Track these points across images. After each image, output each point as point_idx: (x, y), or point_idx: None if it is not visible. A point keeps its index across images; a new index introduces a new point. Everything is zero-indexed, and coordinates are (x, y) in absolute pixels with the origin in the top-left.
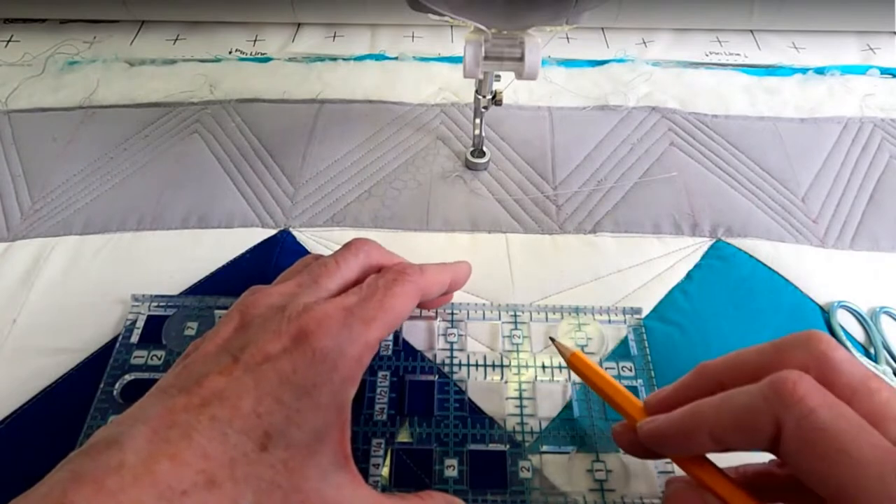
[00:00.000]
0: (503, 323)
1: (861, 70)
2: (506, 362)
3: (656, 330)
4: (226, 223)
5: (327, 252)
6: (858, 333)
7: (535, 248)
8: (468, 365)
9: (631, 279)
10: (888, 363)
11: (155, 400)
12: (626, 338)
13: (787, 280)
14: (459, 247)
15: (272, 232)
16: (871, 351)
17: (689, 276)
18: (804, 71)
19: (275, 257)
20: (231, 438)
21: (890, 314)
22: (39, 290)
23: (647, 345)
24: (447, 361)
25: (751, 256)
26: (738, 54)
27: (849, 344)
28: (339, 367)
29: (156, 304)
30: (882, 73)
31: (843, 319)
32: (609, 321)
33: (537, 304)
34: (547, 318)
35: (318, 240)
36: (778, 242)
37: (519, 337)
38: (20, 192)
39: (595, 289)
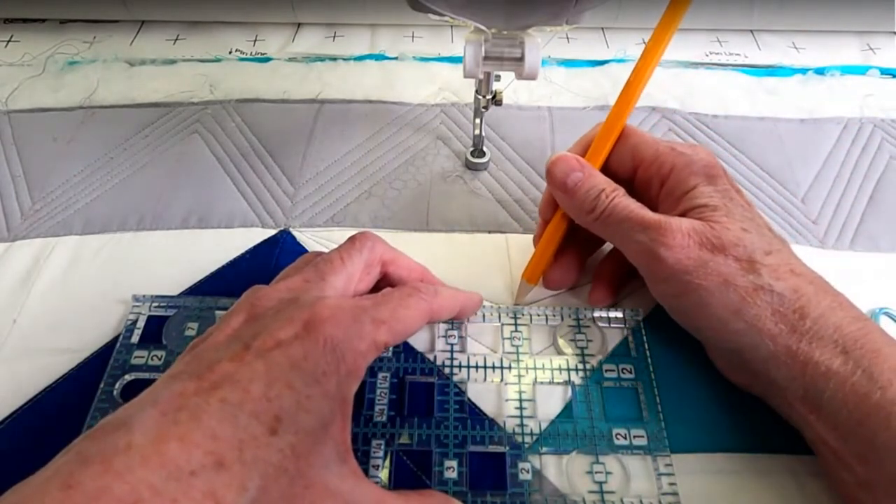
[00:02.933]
0: (503, 325)
1: (861, 70)
2: (506, 364)
3: (656, 330)
4: (226, 223)
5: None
6: None
7: None
8: (468, 366)
9: (631, 279)
10: None
11: (164, 385)
12: (625, 339)
13: None
14: (459, 247)
15: (272, 232)
16: None
17: None
18: (804, 71)
19: (275, 257)
20: (241, 421)
21: (890, 315)
22: (39, 291)
23: (647, 346)
24: (447, 363)
25: None
26: (738, 54)
27: None
28: (347, 358)
29: (156, 304)
30: (882, 73)
31: None
32: (609, 322)
33: (537, 306)
34: (547, 320)
35: (318, 240)
36: None
37: (519, 339)
38: (20, 192)
39: None
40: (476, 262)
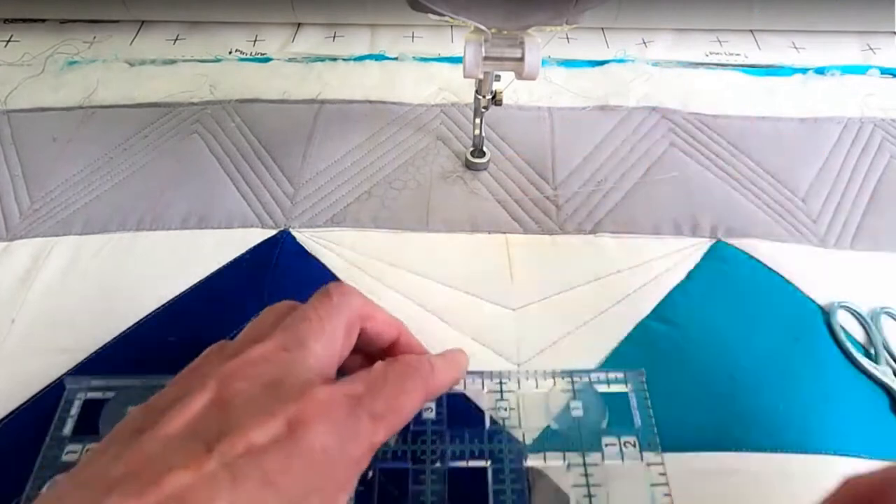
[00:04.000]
0: (487, 392)
1: (861, 70)
2: (493, 448)
3: (656, 330)
4: (226, 223)
5: (327, 253)
6: (858, 333)
7: (536, 249)
8: (448, 446)
9: (631, 280)
10: (888, 363)
11: (93, 502)
12: (628, 404)
13: (787, 280)
14: (459, 247)
15: (272, 232)
16: (872, 351)
17: (689, 276)
18: (804, 71)
19: (275, 258)
20: None
21: (890, 314)
22: (38, 291)
23: (651, 412)
24: (425, 448)
25: (751, 257)
26: (738, 54)
27: (849, 344)
28: (337, 470)
29: (93, 387)
30: (882, 73)
31: (844, 320)
32: (608, 384)
33: (525, 366)
34: (537, 384)
35: (318, 240)
36: (778, 243)
37: (506, 409)
38: (19, 191)
39: (595, 289)
40: (476, 262)
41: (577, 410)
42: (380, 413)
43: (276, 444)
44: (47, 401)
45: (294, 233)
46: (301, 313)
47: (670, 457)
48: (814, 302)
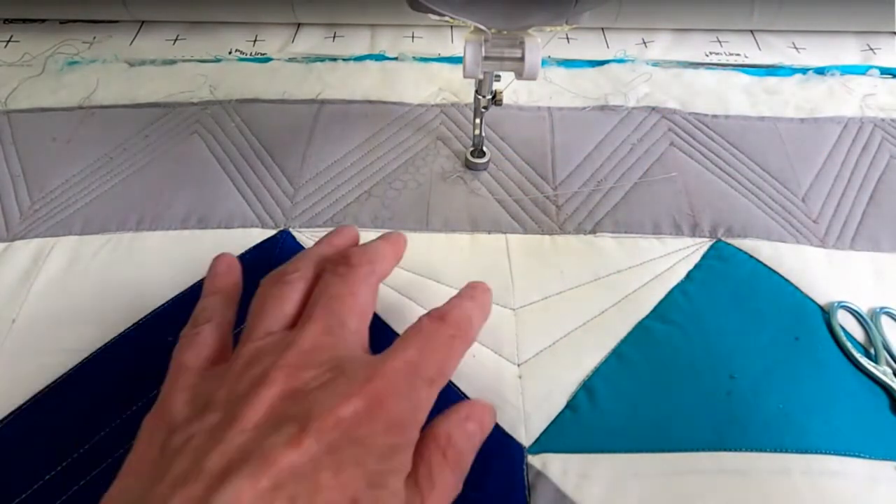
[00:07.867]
0: None
1: (861, 70)
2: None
3: (656, 330)
4: (225, 223)
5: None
6: (858, 333)
7: (535, 249)
8: None
9: (631, 280)
10: (888, 363)
11: (209, 493)
12: None
13: (787, 280)
14: (459, 247)
15: (272, 232)
16: (871, 351)
17: (689, 276)
18: (804, 71)
19: (275, 258)
20: None
21: (890, 314)
22: (38, 291)
23: None
24: None
25: (751, 257)
26: (738, 54)
27: (849, 344)
28: (408, 432)
29: None
30: (882, 74)
31: (844, 320)
32: None
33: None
34: None
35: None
36: (778, 243)
37: None
38: (19, 192)
39: (595, 289)
40: (476, 263)
41: None
42: (432, 377)
43: (358, 416)
44: (47, 401)
45: (294, 233)
46: (332, 290)
47: (670, 457)
48: (814, 302)
